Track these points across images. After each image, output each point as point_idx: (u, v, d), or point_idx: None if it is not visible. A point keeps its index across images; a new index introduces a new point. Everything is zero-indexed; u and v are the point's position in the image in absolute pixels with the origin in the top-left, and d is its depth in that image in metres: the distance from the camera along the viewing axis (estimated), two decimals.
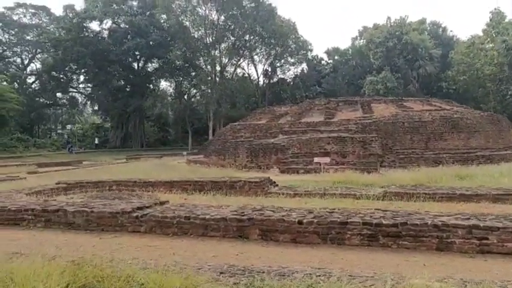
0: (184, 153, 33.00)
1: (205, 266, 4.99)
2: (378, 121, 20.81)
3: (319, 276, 4.56)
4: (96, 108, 67.36)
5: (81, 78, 61.79)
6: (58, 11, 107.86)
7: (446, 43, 62.13)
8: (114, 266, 4.53)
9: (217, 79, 52.23)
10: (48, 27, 57.17)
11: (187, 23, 53.64)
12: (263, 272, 4.74)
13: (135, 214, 7.17)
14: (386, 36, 53.42)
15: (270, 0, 54.78)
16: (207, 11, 52.04)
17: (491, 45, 55.38)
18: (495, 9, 56.12)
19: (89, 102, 68.56)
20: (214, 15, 52.69)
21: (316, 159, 16.95)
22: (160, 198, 10.04)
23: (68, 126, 68.02)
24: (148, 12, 55.34)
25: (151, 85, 61.85)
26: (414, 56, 53.01)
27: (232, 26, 53.14)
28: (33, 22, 56.95)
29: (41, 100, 60.53)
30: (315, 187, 11.67)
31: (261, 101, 60.93)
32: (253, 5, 52.30)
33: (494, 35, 54.82)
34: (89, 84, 61.45)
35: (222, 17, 52.99)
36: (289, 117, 25.90)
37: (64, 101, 66.64)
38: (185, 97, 59.18)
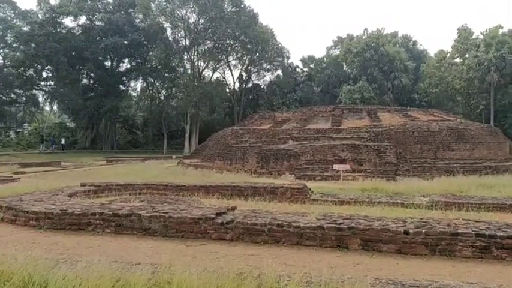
0: (174, 156, 32.22)
1: (345, 279, 4.68)
2: (389, 129, 21.02)
3: None
4: (64, 107, 64.53)
5: (50, 75, 59.01)
6: (24, 5, 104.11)
7: (417, 56, 64.06)
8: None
9: (196, 82, 51.48)
10: (13, 21, 54.52)
11: (166, 24, 52.72)
12: (417, 286, 4.51)
13: (219, 220, 6.73)
14: (364, 47, 54.46)
15: (251, 7, 54.50)
16: (188, 13, 51.31)
17: (460, 60, 57.63)
18: (462, 26, 58.34)
19: (55, 101, 65.77)
20: (194, 18, 52.06)
21: (335, 167, 16.86)
22: (203, 203, 9.62)
23: (25, 125, 65.03)
24: (123, 11, 53.94)
25: (125, 86, 60.24)
26: (390, 67, 54.29)
27: (211, 30, 52.53)
28: None
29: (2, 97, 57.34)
30: (354, 195, 11.52)
31: (236, 106, 60.56)
32: (234, 9, 52.00)
33: (463, 51, 57.04)
34: (51, 82, 58.64)
35: (202, 20, 52.37)
36: (293, 123, 25.74)
37: (24, 98, 63.52)
38: (161, 99, 57.88)
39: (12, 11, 55.08)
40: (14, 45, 52.20)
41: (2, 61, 56.69)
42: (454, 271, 5.46)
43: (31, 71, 55.07)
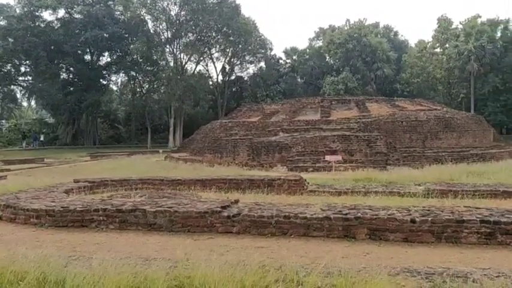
0: (161, 150, 31.95)
1: (361, 268, 4.71)
2: (378, 120, 21.22)
3: (498, 277, 4.44)
4: (43, 103, 63.13)
5: (28, 70, 57.63)
6: None
7: (398, 47, 64.59)
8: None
9: (179, 76, 51.01)
10: None
11: (147, 16, 52.02)
12: (433, 274, 4.57)
13: (225, 214, 6.71)
14: (346, 38, 54.70)
15: None
16: (169, 5, 50.69)
17: (440, 50, 58.44)
18: (442, 16, 58.99)
19: (33, 96, 64.34)
20: (175, 10, 51.48)
21: (327, 157, 16.94)
22: (201, 197, 9.57)
23: (2, 122, 63.57)
24: (102, 4, 53.02)
25: (106, 80, 59.35)
26: (372, 58, 54.68)
27: (193, 22, 52.04)
28: None
29: None
30: (351, 185, 11.61)
31: (220, 98, 60.28)
32: (216, 1, 51.58)
33: (443, 41, 57.81)
34: (29, 77, 57.30)
35: (184, 12, 51.82)
36: (282, 115, 25.71)
37: (1, 94, 62.02)
38: (143, 93, 57.20)
39: None
40: None
41: None
42: (462, 258, 5.55)
43: (9, 66, 53.80)
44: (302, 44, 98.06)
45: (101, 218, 6.92)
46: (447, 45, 56.19)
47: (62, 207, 7.02)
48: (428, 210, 6.79)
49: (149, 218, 6.82)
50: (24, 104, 70.64)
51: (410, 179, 13.17)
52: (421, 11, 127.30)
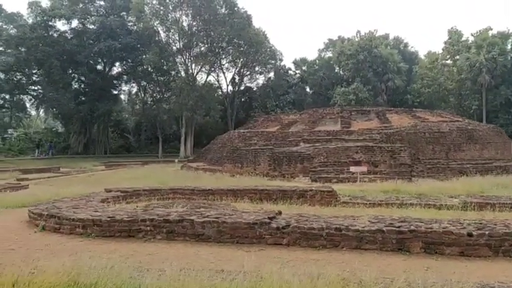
0: (176, 160, 31.98)
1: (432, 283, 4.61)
2: (400, 131, 21.10)
3: None
4: (55, 112, 63.42)
5: (40, 79, 57.94)
6: (10, 8, 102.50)
7: (408, 58, 64.59)
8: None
9: (191, 85, 51.18)
10: None
11: (159, 27, 52.38)
12: None
13: (275, 225, 6.63)
14: (357, 49, 54.74)
15: (244, 8, 54.50)
16: (182, 16, 51.08)
17: (451, 61, 58.42)
18: (452, 28, 59.06)
19: (43, 106, 64.61)
20: (187, 21, 51.82)
21: (352, 169, 16.84)
22: (237, 207, 9.49)
23: (10, 131, 63.77)
24: (116, 15, 53.46)
25: (118, 89, 59.71)
26: (384, 69, 54.68)
27: (203, 33, 52.29)
28: None
29: None
30: (384, 197, 11.50)
31: (229, 109, 60.33)
32: (227, 12, 51.87)
33: (454, 52, 57.82)
34: (39, 87, 57.43)
35: (195, 23, 52.12)
36: (300, 125, 25.69)
37: (11, 103, 62.33)
38: (154, 103, 57.35)
39: None
40: (2, 49, 51.16)
41: None
42: None
43: (20, 76, 54.12)
44: (311, 55, 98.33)
45: (148, 228, 6.86)
46: (458, 57, 56.20)
47: (108, 217, 6.96)
48: (481, 223, 6.69)
49: (197, 228, 6.75)
50: (33, 113, 70.99)
51: (440, 191, 13.04)
52: (429, 23, 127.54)
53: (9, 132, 63.95)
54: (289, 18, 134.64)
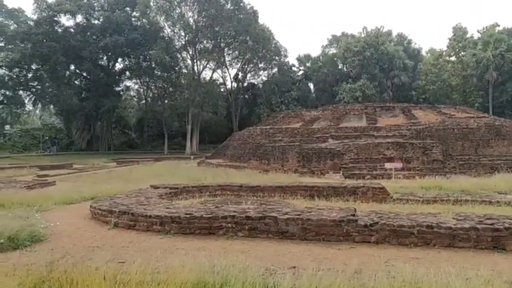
0: (192, 157, 31.75)
1: None
2: (429, 127, 20.97)
3: None
4: (58, 108, 62.77)
5: (45, 75, 57.26)
6: (12, 4, 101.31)
7: (412, 55, 64.50)
8: None
9: (197, 82, 50.89)
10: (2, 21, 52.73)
11: (165, 22, 52.03)
12: None
13: (362, 223, 6.46)
14: (364, 46, 54.58)
15: (250, 4, 54.21)
16: (189, 12, 50.74)
17: (455, 58, 58.43)
18: (457, 25, 59.01)
19: (45, 102, 63.83)
20: (194, 16, 51.47)
21: (387, 165, 16.69)
22: (293, 204, 9.32)
23: (7, 127, 63.08)
24: (120, 10, 52.93)
25: (123, 85, 59.30)
26: (390, 65, 54.61)
27: (211, 29, 51.95)
28: None
29: None
30: (435, 194, 11.37)
31: (233, 105, 60.07)
32: (233, 8, 51.56)
33: (459, 49, 57.80)
34: (39, 82, 56.66)
35: (201, 18, 51.78)
36: (323, 121, 25.53)
37: (11, 99, 61.54)
38: (159, 99, 56.96)
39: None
40: (7, 45, 50.50)
41: None
42: None
43: (25, 72, 53.51)
44: (315, 51, 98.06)
45: (230, 225, 6.68)
46: (462, 54, 56.21)
47: (187, 214, 6.78)
48: None
49: (281, 225, 6.58)
50: (30, 108, 70.09)
51: (482, 188, 12.93)
52: (430, 19, 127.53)
53: (6, 129, 63.34)
54: (292, 14, 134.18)
